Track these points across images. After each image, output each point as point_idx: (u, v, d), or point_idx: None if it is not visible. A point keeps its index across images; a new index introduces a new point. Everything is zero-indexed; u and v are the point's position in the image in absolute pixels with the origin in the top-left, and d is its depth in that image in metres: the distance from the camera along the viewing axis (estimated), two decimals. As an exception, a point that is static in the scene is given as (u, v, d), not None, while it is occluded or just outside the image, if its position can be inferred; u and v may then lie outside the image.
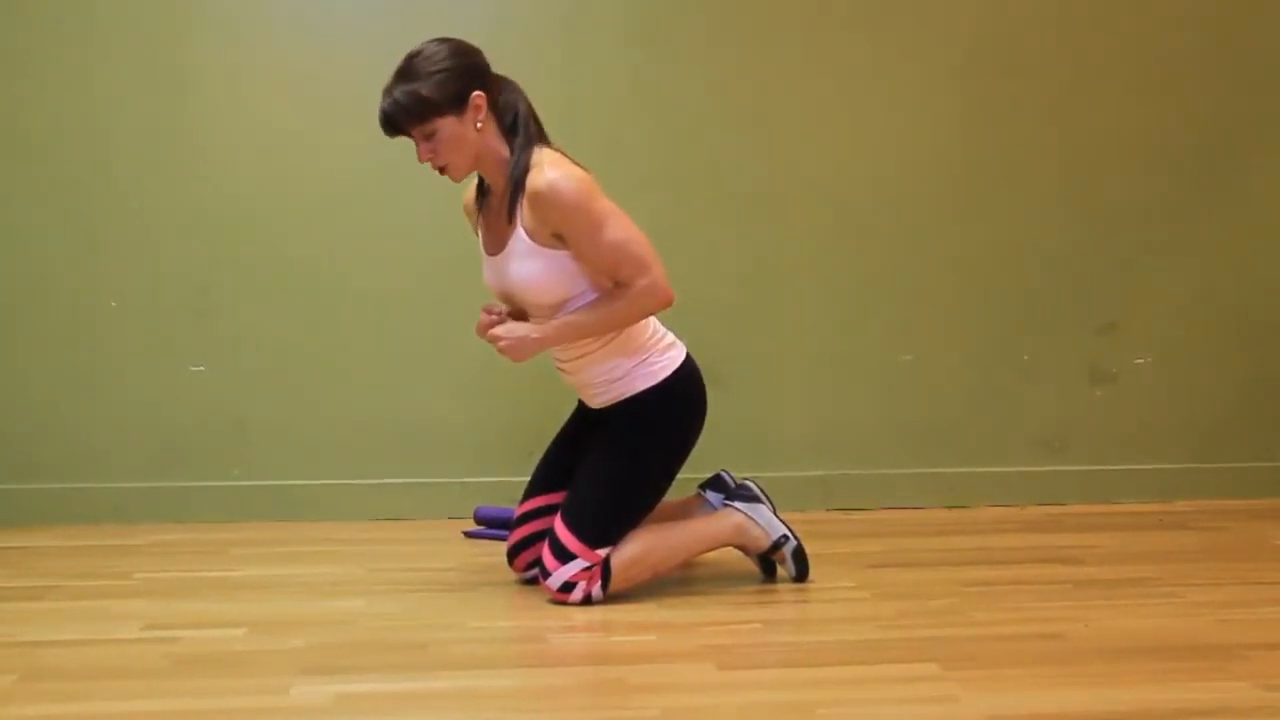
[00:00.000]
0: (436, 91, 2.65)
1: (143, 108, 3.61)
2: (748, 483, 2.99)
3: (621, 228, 2.67)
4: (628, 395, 2.80)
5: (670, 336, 2.88)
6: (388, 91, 2.68)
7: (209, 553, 3.29)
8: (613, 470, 2.78)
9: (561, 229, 2.65)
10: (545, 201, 2.63)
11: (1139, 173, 3.85)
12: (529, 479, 3.01)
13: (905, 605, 2.74)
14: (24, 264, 3.62)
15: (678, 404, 2.81)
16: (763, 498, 2.94)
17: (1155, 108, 3.84)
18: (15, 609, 2.78)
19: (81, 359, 3.64)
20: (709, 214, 3.76)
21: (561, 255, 2.69)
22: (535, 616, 2.71)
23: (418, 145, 2.71)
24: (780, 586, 2.93)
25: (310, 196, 3.58)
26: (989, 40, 3.80)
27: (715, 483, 3.07)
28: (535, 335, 2.72)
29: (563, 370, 2.88)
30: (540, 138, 2.76)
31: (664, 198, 3.73)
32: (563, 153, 2.74)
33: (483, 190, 2.85)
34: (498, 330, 2.74)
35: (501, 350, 2.73)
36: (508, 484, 3.11)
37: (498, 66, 2.73)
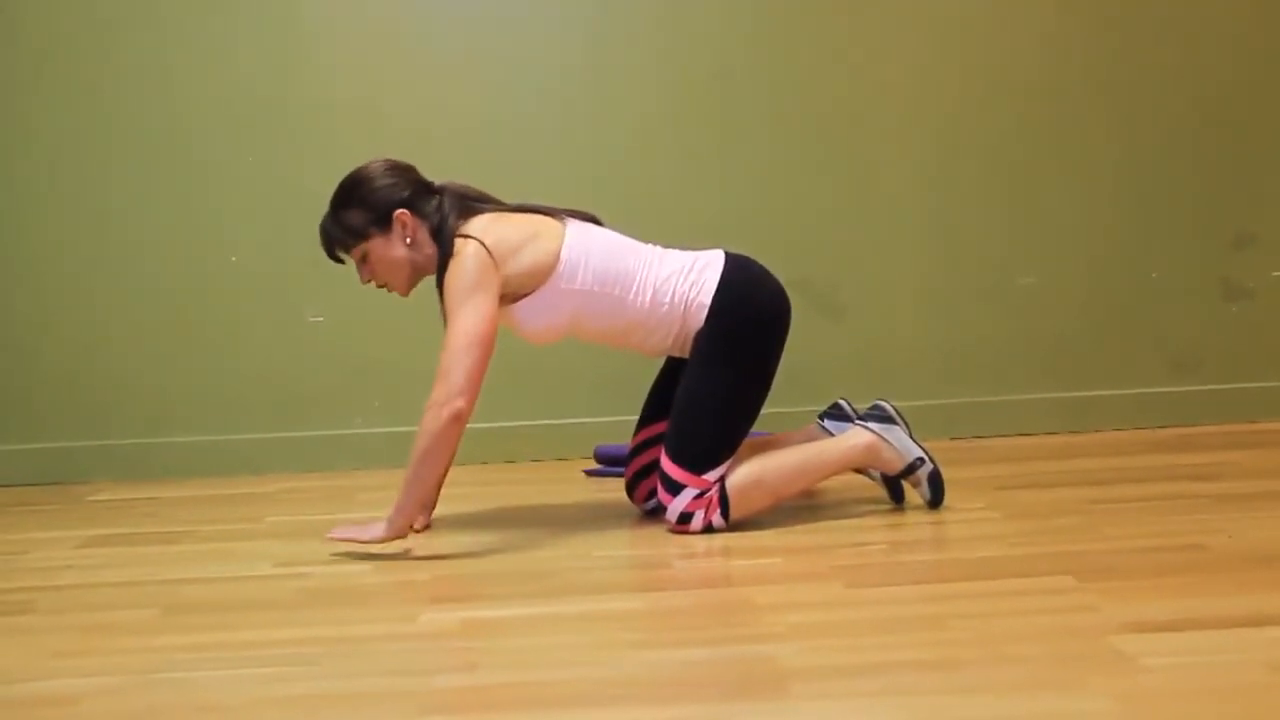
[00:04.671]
0: (360, 217, 2.73)
1: (255, 65, 3.66)
2: (881, 403, 2.90)
3: (469, 317, 2.62)
4: (694, 337, 2.77)
5: (699, 261, 2.79)
6: (323, 219, 2.77)
7: (335, 498, 3.34)
8: (698, 396, 2.74)
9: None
10: None
11: (1271, 78, 3.69)
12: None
13: (1037, 523, 2.67)
14: (146, 225, 3.70)
15: (735, 316, 2.74)
16: (897, 419, 2.87)
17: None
18: (154, 552, 2.86)
19: (206, 315, 3.72)
20: (819, 141, 3.70)
21: (512, 309, 2.73)
22: (658, 545, 2.70)
23: (357, 267, 2.80)
24: (907, 510, 2.88)
25: (421, 146, 3.58)
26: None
27: (834, 411, 3.02)
28: (388, 529, 2.64)
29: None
30: (465, 214, 2.74)
31: (773, 128, 3.68)
32: (493, 212, 2.75)
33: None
34: (349, 535, 2.69)
35: (370, 540, 2.67)
36: (627, 423, 3.10)
37: None
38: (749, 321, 2.77)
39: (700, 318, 2.75)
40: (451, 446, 2.67)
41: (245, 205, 3.69)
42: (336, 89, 3.67)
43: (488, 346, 2.64)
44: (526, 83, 3.70)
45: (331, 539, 2.69)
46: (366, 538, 2.67)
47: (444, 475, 2.75)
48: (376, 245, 2.75)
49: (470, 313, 2.63)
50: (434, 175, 2.85)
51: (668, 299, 2.75)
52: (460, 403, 2.60)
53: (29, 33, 3.64)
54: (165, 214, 3.70)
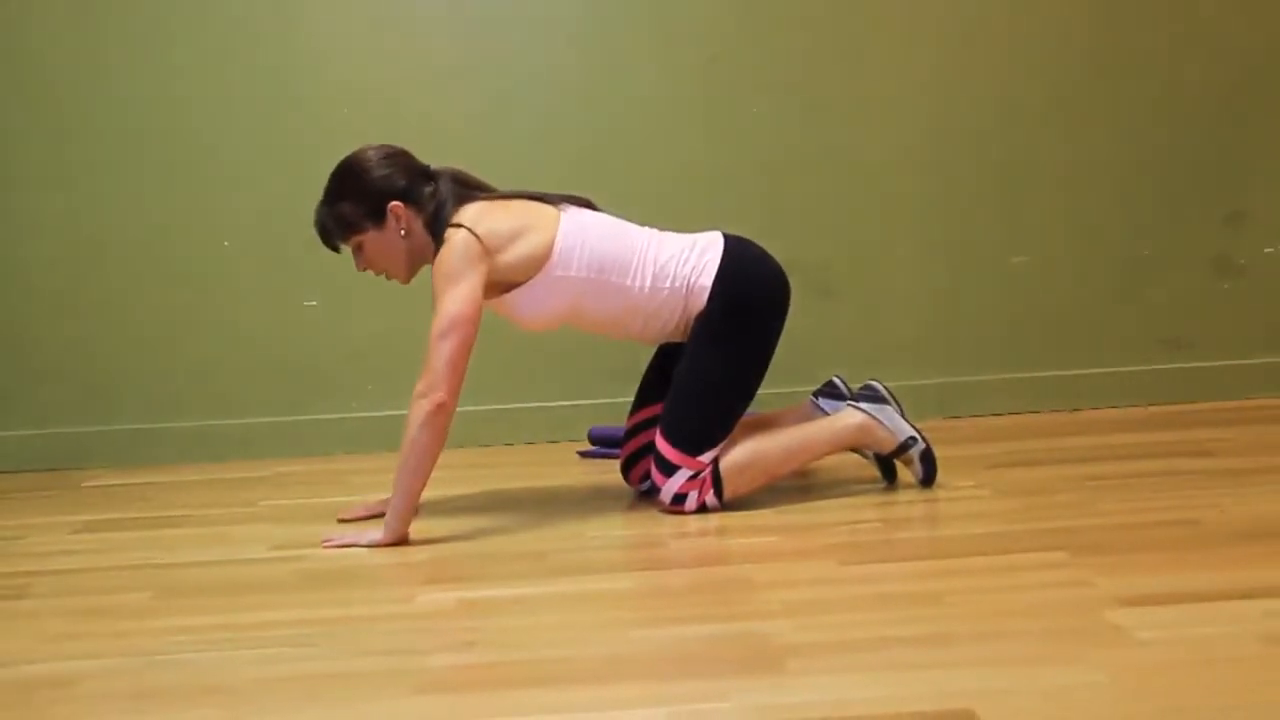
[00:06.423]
0: (352, 211, 2.73)
1: (250, 49, 3.65)
2: (872, 383, 2.91)
3: (450, 303, 2.61)
4: (694, 319, 2.77)
5: (699, 243, 2.79)
6: (317, 208, 2.77)
7: (331, 481, 3.35)
8: (697, 377, 2.75)
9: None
10: None
11: (1263, 54, 3.69)
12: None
13: (1029, 501, 2.68)
14: (141, 212, 3.69)
15: (738, 297, 2.74)
16: (889, 398, 2.87)
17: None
18: (150, 536, 2.86)
19: (200, 300, 3.72)
20: (811, 122, 3.69)
21: (508, 297, 2.74)
22: (653, 525, 2.71)
23: (353, 256, 2.81)
24: (899, 489, 2.89)
25: (414, 129, 3.58)
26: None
27: (828, 389, 3.03)
28: (386, 534, 2.62)
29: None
30: (461, 202, 2.74)
31: (765, 109, 3.68)
32: (487, 201, 2.76)
33: None
34: (346, 542, 2.65)
35: (369, 545, 2.63)
36: (620, 405, 3.11)
37: None
38: (751, 302, 2.77)
39: (702, 300, 2.75)
40: (439, 439, 2.61)
41: (239, 190, 3.69)
42: (330, 73, 3.66)
43: (468, 330, 2.62)
44: (520, 66, 3.68)
45: (328, 547, 2.63)
46: (364, 542, 2.63)
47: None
48: (370, 237, 2.75)
49: (452, 298, 2.62)
50: (428, 161, 2.84)
51: (668, 282, 2.75)
52: (441, 394, 2.59)
53: (28, 17, 3.63)
54: (160, 200, 3.69)
